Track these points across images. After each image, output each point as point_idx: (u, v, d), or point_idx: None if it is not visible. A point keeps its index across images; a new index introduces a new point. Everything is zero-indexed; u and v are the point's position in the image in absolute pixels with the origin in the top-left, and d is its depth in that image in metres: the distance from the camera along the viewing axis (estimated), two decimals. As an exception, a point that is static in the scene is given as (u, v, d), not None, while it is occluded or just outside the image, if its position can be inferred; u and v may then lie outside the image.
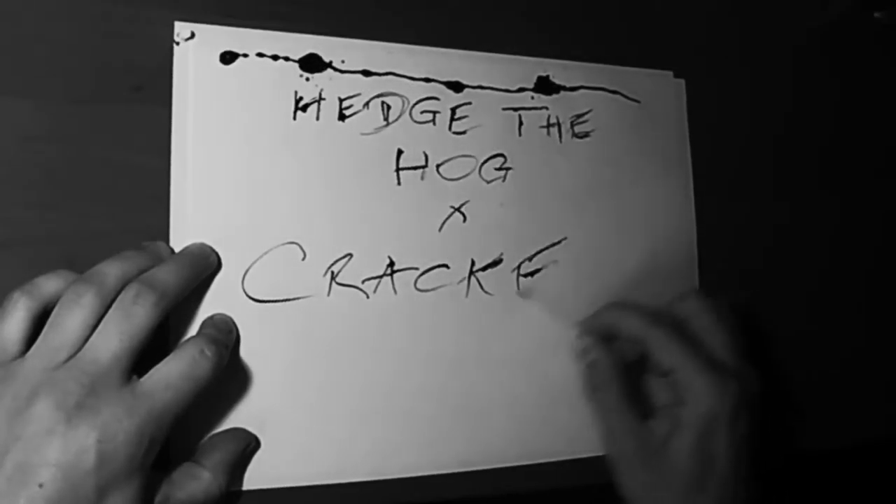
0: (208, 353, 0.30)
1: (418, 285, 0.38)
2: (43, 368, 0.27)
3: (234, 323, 0.34)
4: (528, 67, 0.41)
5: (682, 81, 0.45)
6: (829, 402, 0.48)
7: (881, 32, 0.52)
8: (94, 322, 0.28)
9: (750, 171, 0.47)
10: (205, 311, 0.34)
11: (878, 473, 0.60)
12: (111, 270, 0.29)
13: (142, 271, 0.30)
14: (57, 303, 0.29)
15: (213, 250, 0.34)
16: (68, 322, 0.28)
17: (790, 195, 0.49)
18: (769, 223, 0.48)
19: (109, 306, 0.29)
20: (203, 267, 0.33)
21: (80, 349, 0.28)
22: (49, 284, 0.29)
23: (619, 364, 0.37)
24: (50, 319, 0.28)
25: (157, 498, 0.29)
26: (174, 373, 0.29)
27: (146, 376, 0.29)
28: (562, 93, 0.42)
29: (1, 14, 0.33)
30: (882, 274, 0.51)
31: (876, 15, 0.51)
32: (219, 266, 0.34)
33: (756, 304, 0.47)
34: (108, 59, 0.34)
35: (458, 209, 0.39)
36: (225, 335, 0.33)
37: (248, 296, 0.35)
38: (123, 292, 0.29)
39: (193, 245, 0.34)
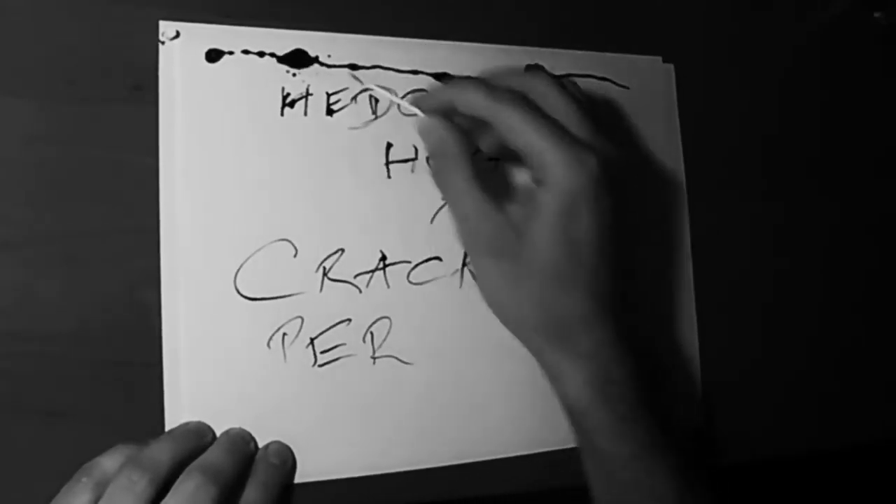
0: None
1: (411, 278, 0.38)
2: None
3: (290, 451, 0.35)
4: (517, 56, 0.41)
5: (671, 66, 0.45)
6: (829, 401, 0.48)
7: (881, 32, 0.51)
8: None
9: (744, 169, 0.47)
10: (196, 311, 0.34)
11: (877, 473, 0.60)
12: (164, 457, 0.30)
13: (191, 454, 0.31)
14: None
15: (252, 437, 0.35)
16: None
17: (785, 194, 0.48)
18: (762, 216, 0.47)
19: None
20: (245, 452, 0.34)
21: None
22: (109, 464, 0.30)
23: (468, 141, 0.33)
24: (103, 502, 0.28)
25: None
26: None
27: None
28: (551, 81, 0.42)
29: (1, 14, 0.33)
30: (880, 273, 0.50)
31: (876, 15, 0.51)
32: (215, 272, 0.35)
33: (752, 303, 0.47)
34: (107, 59, 0.34)
35: (449, 201, 0.39)
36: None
37: (240, 294, 0.35)
38: (184, 481, 0.29)
39: (234, 430, 0.34)
